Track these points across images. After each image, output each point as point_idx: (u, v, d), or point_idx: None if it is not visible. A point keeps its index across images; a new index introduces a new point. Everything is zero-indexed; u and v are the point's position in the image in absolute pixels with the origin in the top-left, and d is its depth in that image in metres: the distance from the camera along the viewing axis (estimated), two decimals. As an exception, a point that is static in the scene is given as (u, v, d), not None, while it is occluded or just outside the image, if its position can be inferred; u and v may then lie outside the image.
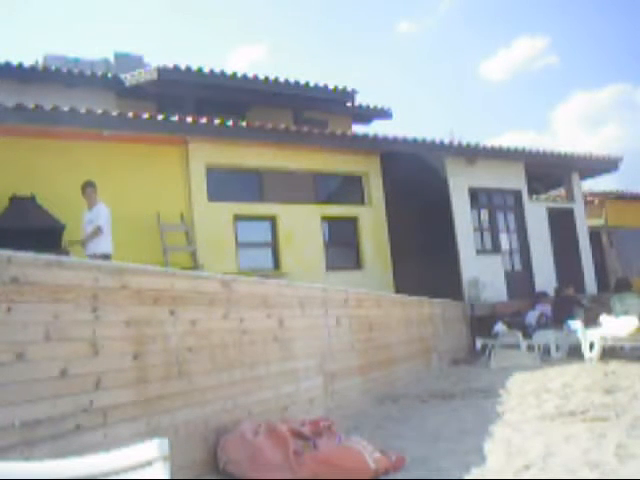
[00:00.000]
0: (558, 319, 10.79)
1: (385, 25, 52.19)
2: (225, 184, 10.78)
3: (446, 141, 12.71)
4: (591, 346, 9.14)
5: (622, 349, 9.55)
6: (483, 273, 12.44)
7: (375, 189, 12.41)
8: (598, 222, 17.42)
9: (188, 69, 11.96)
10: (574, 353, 9.61)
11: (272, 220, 11.05)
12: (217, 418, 4.23)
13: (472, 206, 13.13)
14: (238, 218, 10.65)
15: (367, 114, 15.26)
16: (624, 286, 11.00)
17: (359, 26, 52.24)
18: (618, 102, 55.27)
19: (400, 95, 57.45)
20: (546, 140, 54.92)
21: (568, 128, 59.67)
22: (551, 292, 12.47)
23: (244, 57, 52.77)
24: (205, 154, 10.41)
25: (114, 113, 9.34)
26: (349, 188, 12.54)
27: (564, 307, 11.28)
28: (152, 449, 1.95)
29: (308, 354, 5.77)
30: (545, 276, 13.62)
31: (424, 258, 12.14)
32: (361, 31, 52.71)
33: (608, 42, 53.00)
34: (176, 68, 11.87)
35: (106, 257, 7.67)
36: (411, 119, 54.05)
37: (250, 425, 4.20)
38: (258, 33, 55.14)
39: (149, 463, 1.93)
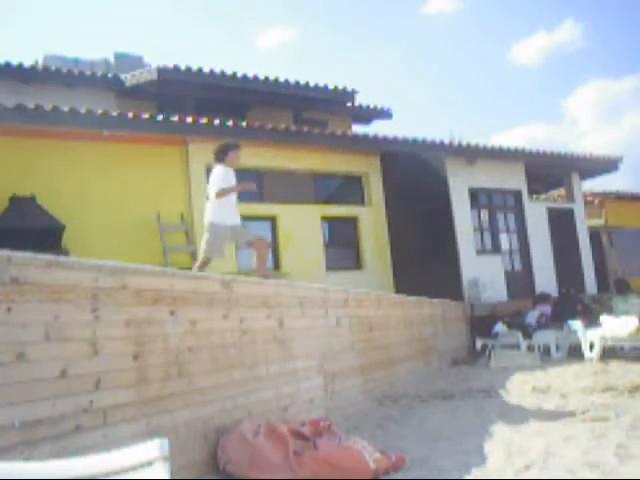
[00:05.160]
0: (559, 319, 10.79)
1: (412, 5, 51.46)
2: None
3: (446, 141, 12.71)
4: (591, 346, 9.14)
5: (622, 349, 9.56)
6: (483, 273, 12.43)
7: (375, 189, 12.41)
8: (598, 222, 17.43)
9: (188, 69, 11.96)
10: (574, 353, 9.61)
11: (272, 220, 11.05)
12: (217, 418, 4.23)
13: (472, 206, 13.13)
14: (238, 218, 10.63)
15: (367, 114, 15.28)
16: (624, 287, 11.10)
17: (385, 10, 51.57)
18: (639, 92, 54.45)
19: (402, 94, 57.31)
20: (564, 133, 54.40)
21: (586, 119, 59.06)
22: (553, 292, 12.47)
23: (266, 43, 52.11)
24: (205, 154, 10.37)
25: (114, 113, 9.34)
26: (349, 188, 12.54)
27: (565, 307, 11.28)
28: (152, 449, 1.95)
29: (308, 354, 5.76)
30: (545, 276, 13.62)
31: (424, 258, 12.13)
32: (386, 15, 51.98)
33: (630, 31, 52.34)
34: (176, 68, 11.88)
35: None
36: (412, 119, 53.99)
37: (250, 425, 4.20)
38: (282, 17, 54.61)
39: (149, 463, 1.94)
